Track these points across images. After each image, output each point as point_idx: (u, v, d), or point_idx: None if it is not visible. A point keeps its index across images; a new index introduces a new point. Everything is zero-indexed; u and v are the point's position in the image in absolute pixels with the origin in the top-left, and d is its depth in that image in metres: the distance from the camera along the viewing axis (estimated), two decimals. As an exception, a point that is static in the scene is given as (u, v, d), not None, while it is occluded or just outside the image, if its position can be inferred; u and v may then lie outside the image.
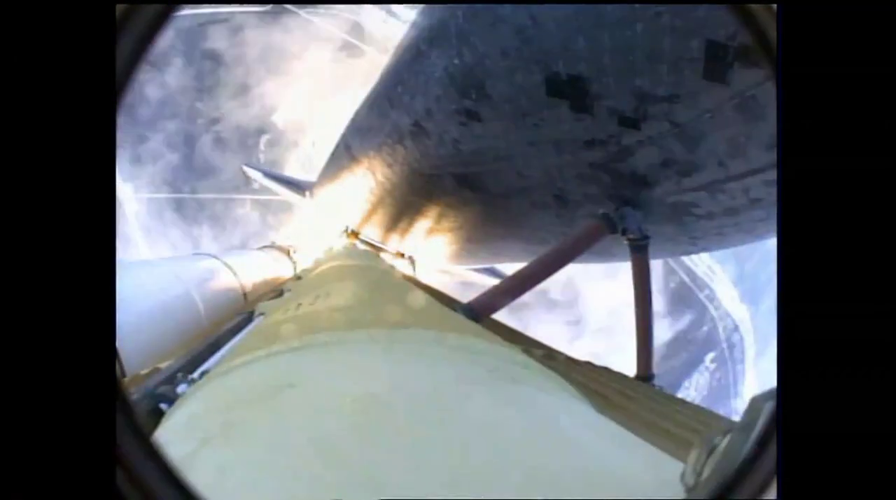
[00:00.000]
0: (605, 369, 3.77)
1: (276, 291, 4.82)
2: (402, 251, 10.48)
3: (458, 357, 1.55)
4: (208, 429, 0.99)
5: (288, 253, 10.01)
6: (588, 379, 2.69)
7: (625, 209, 4.66)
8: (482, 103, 4.61)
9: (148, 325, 3.84)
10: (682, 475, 0.74)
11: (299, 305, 2.52)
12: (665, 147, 3.94)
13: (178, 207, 14.01)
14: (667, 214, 4.74)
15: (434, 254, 10.10)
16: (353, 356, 1.48)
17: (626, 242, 4.93)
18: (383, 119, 6.38)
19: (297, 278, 6.48)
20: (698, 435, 0.73)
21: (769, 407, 0.65)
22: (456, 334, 1.73)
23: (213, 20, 14.27)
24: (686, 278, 19.25)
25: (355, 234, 10.52)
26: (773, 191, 3.91)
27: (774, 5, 0.64)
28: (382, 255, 9.95)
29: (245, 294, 6.06)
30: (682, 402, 3.15)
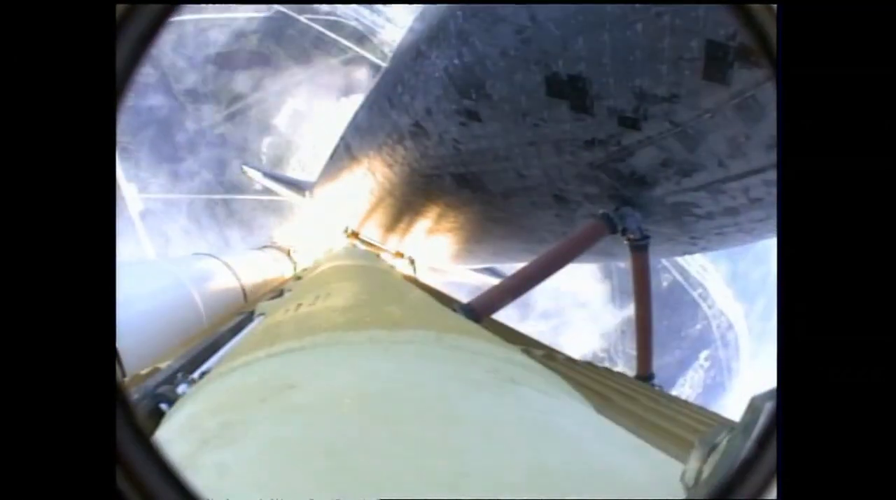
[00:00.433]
0: (605, 370, 3.77)
1: (276, 291, 4.82)
2: (401, 251, 10.49)
3: (458, 357, 1.55)
4: (208, 429, 0.99)
5: (288, 253, 10.01)
6: (588, 379, 2.69)
7: (625, 209, 4.67)
8: (482, 103, 4.61)
9: (148, 325, 3.84)
10: (682, 475, 0.74)
11: (299, 305, 2.52)
12: (665, 147, 3.94)
13: (213, 213, 16.12)
14: (667, 214, 4.74)
15: (434, 254, 10.10)
16: (353, 357, 1.48)
17: (626, 243, 4.93)
18: (383, 119, 6.38)
19: (297, 278, 6.48)
20: (698, 435, 0.73)
21: (769, 407, 0.65)
22: (456, 334, 1.73)
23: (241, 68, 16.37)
24: (679, 277, 19.42)
25: (355, 234, 10.53)
26: (773, 191, 3.92)
27: (774, 5, 0.64)
28: (382, 255, 9.95)
29: (245, 294, 6.06)
30: (683, 402, 3.15)
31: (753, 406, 0.66)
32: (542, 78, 4.02)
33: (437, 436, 0.95)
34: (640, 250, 4.96)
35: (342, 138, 8.79)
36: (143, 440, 0.56)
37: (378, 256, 9.27)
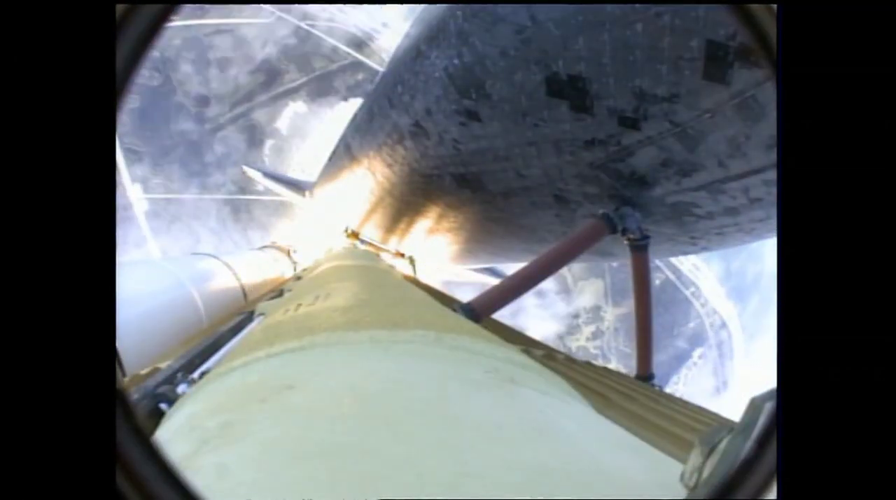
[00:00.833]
0: (605, 369, 3.77)
1: (276, 291, 4.82)
2: (402, 251, 10.49)
3: (458, 357, 1.55)
4: (208, 429, 0.99)
5: (288, 253, 10.01)
6: (588, 379, 2.69)
7: (625, 209, 4.67)
8: (482, 103, 4.61)
9: (148, 325, 3.84)
10: (682, 476, 0.74)
11: (299, 305, 2.52)
12: (665, 147, 3.94)
13: (237, 218, 18.65)
14: (667, 214, 4.74)
15: (434, 254, 10.10)
16: (353, 357, 1.48)
17: (626, 243, 4.93)
18: (383, 119, 6.38)
19: (297, 278, 6.48)
20: (698, 435, 0.73)
21: (769, 407, 0.65)
22: (455, 334, 1.73)
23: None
24: (671, 276, 19.62)
25: (355, 234, 10.53)
26: (773, 191, 3.92)
27: (774, 5, 0.64)
28: (382, 255, 9.95)
29: (245, 294, 6.06)
30: (682, 402, 3.15)
31: (753, 406, 0.67)
32: (542, 78, 4.02)
33: (437, 436, 0.95)
34: (640, 249, 4.97)
35: (342, 138, 8.79)
36: (143, 440, 0.56)
37: (378, 256, 9.28)
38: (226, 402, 1.20)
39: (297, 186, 14.53)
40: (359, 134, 7.66)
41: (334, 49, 18.88)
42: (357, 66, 19.08)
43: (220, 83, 18.43)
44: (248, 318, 2.97)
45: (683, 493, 0.73)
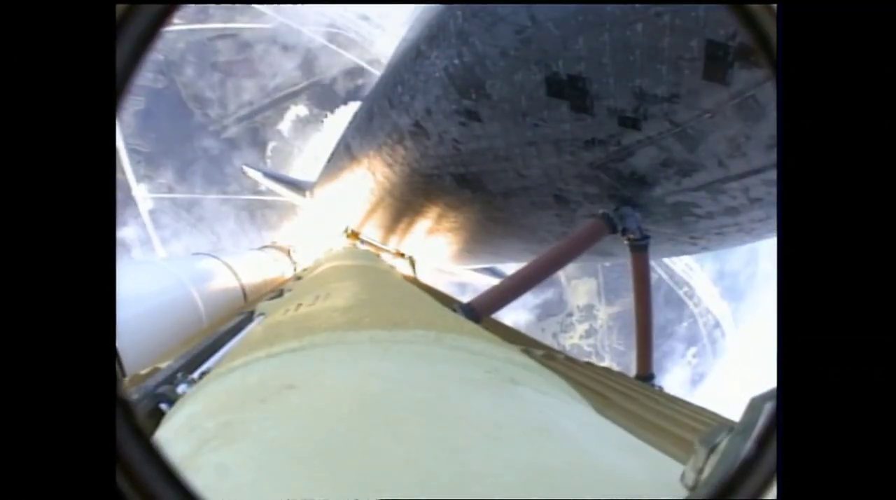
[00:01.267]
0: (605, 369, 3.77)
1: (276, 291, 4.82)
2: (402, 251, 10.49)
3: (458, 357, 1.55)
4: (208, 429, 0.99)
5: (288, 253, 10.01)
6: (588, 379, 2.69)
7: (625, 209, 4.67)
8: (482, 103, 4.61)
9: (148, 325, 3.84)
10: (683, 476, 0.74)
11: (299, 305, 2.52)
12: (665, 147, 3.94)
13: (253, 220, 20.71)
14: (667, 214, 4.74)
15: (434, 254, 10.10)
16: (353, 357, 1.48)
17: (626, 243, 4.93)
18: (383, 119, 6.38)
19: (298, 278, 6.48)
20: (698, 435, 0.73)
21: (769, 407, 0.65)
22: (455, 334, 1.73)
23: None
24: (664, 275, 19.81)
25: (355, 234, 10.53)
26: (773, 191, 3.92)
27: (774, 5, 0.64)
28: (382, 255, 9.95)
29: (245, 294, 6.06)
30: (683, 402, 3.15)
31: (753, 406, 0.66)
32: (542, 78, 4.02)
33: (437, 436, 0.95)
34: (640, 250, 4.97)
35: (342, 138, 8.79)
36: (143, 440, 0.56)
37: (378, 256, 9.28)
38: (226, 402, 1.20)
39: (297, 187, 14.54)
40: (359, 134, 7.67)
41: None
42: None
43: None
44: (248, 318, 2.97)
45: (683, 493, 0.73)
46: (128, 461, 0.54)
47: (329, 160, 10.09)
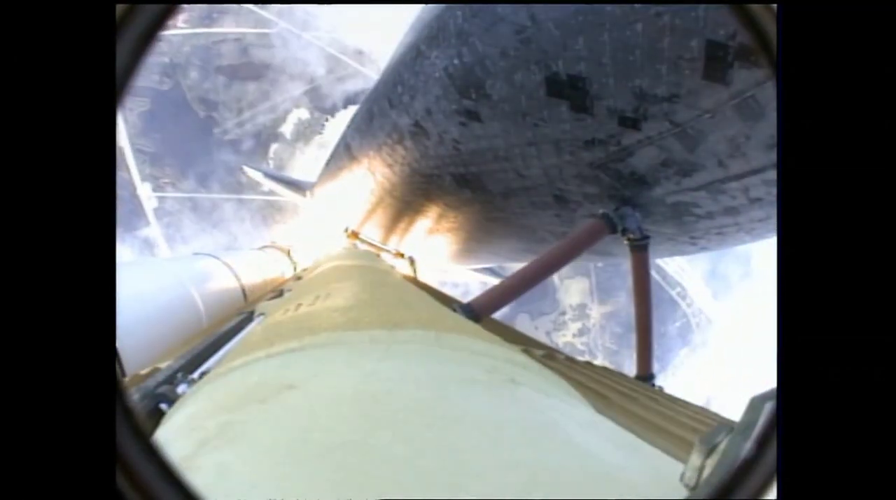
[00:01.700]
0: (605, 369, 3.77)
1: (276, 291, 4.82)
2: (402, 251, 10.49)
3: (458, 358, 1.55)
4: (208, 429, 0.99)
5: (288, 253, 10.01)
6: (588, 379, 2.68)
7: (625, 209, 4.67)
8: (482, 103, 4.61)
9: (148, 325, 3.84)
10: (682, 475, 0.74)
11: (299, 305, 2.52)
12: (665, 147, 3.94)
13: (266, 221, 22.18)
14: (667, 214, 4.74)
15: (434, 254, 10.10)
16: (353, 357, 1.48)
17: (626, 243, 4.93)
18: (383, 119, 6.38)
19: (297, 278, 6.48)
20: (698, 435, 0.73)
21: (769, 407, 0.65)
22: (455, 334, 1.73)
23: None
24: (656, 276, 20.11)
25: (355, 234, 10.53)
26: (773, 191, 3.92)
27: (774, 5, 0.64)
28: (382, 255, 9.95)
29: (245, 294, 6.06)
30: (683, 402, 3.15)
31: (753, 406, 0.67)
32: (542, 78, 4.02)
33: (438, 436, 0.95)
34: (640, 249, 4.97)
35: (342, 138, 8.79)
36: (143, 440, 0.56)
37: (378, 256, 9.27)
38: (226, 402, 1.20)
39: (297, 187, 14.54)
40: (359, 134, 7.67)
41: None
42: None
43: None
44: (248, 318, 2.97)
45: (683, 493, 0.73)
46: (128, 461, 0.54)
47: (329, 160, 10.09)
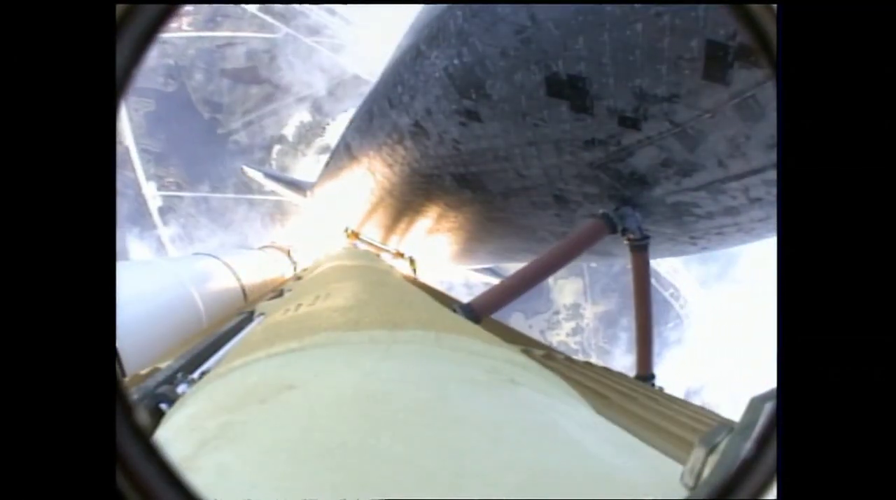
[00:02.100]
0: (605, 369, 3.77)
1: (276, 291, 4.82)
2: (402, 251, 10.49)
3: (458, 358, 1.55)
4: (208, 430, 0.99)
5: (288, 253, 10.01)
6: (587, 379, 2.68)
7: (625, 209, 4.67)
8: (482, 103, 4.61)
9: (148, 325, 3.84)
10: (682, 476, 0.74)
11: (299, 305, 2.52)
12: (665, 147, 3.94)
13: (274, 222, 22.93)
14: (667, 214, 4.74)
15: (434, 254, 10.10)
16: (353, 357, 1.48)
17: (626, 242, 4.93)
18: (383, 119, 6.38)
19: (298, 278, 6.48)
20: (698, 435, 0.73)
21: (769, 407, 0.65)
22: (455, 334, 1.73)
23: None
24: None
25: (355, 234, 10.53)
26: (773, 191, 3.92)
27: (774, 5, 0.64)
28: (382, 255, 9.95)
29: (245, 294, 6.06)
30: (682, 402, 3.15)
31: (753, 406, 0.66)
32: (542, 78, 4.02)
33: (438, 436, 0.95)
34: (640, 250, 4.97)
35: (342, 138, 8.79)
36: (143, 440, 0.56)
37: (378, 256, 9.27)
38: (226, 402, 1.20)
39: (297, 187, 14.55)
40: (359, 134, 7.67)
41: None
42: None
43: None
44: (248, 318, 2.97)
45: (683, 493, 0.73)
46: (128, 461, 0.54)
47: (329, 160, 10.10)
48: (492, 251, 9.05)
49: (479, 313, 3.89)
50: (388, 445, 0.90)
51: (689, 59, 3.29)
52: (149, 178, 21.27)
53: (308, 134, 22.58)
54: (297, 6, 21.66)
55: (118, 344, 3.19)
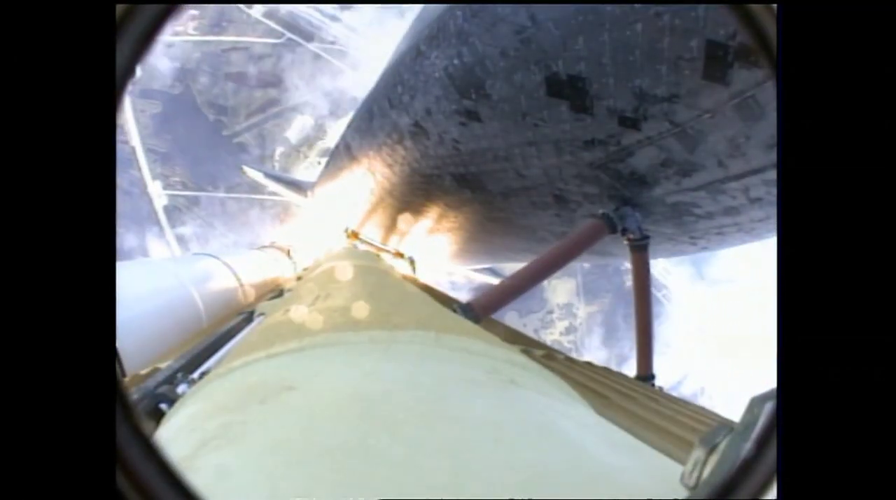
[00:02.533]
0: (605, 369, 3.77)
1: (276, 291, 4.82)
2: (402, 251, 10.48)
3: (458, 358, 1.55)
4: (208, 430, 0.99)
5: (288, 253, 10.00)
6: (587, 379, 2.68)
7: (625, 209, 4.67)
8: (482, 103, 4.61)
9: (148, 325, 3.83)
10: (682, 476, 0.74)
11: (299, 305, 2.51)
12: (665, 147, 3.94)
13: (282, 223, 23.53)
14: (667, 214, 4.74)
15: (434, 254, 10.10)
16: (353, 357, 1.48)
17: (625, 242, 4.93)
18: (383, 119, 6.38)
19: (298, 278, 6.47)
20: (698, 435, 0.73)
21: (769, 407, 0.65)
22: (455, 334, 1.73)
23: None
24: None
25: (355, 234, 10.53)
26: (773, 191, 3.92)
27: (774, 5, 0.64)
28: (382, 255, 9.94)
29: (245, 294, 6.05)
30: (682, 402, 3.15)
31: (753, 406, 0.66)
32: (542, 78, 4.02)
33: (438, 437, 0.95)
34: (639, 249, 4.97)
35: (342, 138, 8.79)
36: (143, 440, 0.56)
37: (378, 256, 9.26)
38: (225, 403, 1.20)
39: (297, 187, 14.55)
40: (359, 134, 7.66)
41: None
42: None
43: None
44: (248, 318, 2.97)
45: (683, 493, 0.73)
46: (128, 461, 0.54)
47: (329, 161, 10.10)
48: (492, 251, 9.06)
49: (479, 313, 3.89)
50: (387, 445, 0.90)
51: (689, 60, 3.29)
52: (154, 177, 21.75)
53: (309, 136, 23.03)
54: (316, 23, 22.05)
55: (118, 344, 3.19)
